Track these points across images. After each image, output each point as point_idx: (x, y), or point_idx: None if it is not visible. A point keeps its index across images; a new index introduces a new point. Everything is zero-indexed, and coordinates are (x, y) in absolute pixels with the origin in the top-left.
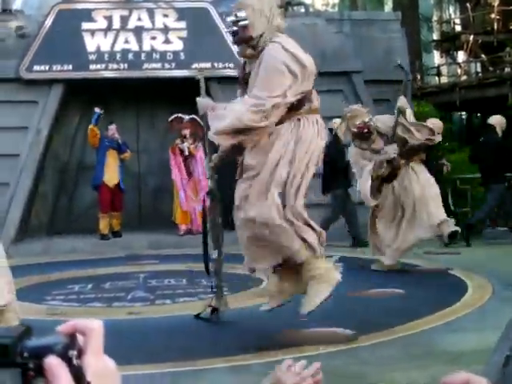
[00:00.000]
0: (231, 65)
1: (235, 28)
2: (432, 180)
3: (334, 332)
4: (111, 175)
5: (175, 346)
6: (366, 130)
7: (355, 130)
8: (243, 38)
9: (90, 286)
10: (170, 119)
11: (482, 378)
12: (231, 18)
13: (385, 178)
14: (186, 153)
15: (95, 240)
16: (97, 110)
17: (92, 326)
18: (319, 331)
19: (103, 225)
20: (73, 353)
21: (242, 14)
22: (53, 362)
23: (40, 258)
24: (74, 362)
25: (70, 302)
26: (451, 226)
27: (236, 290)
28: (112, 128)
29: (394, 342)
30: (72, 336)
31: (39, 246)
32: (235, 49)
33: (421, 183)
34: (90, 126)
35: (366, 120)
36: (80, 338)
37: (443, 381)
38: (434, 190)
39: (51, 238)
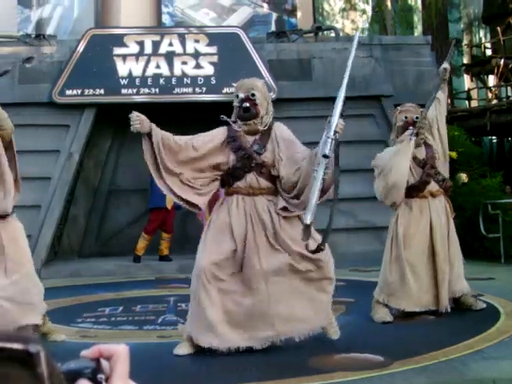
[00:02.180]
0: None
1: (248, 104)
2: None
3: (365, 358)
4: (170, 198)
5: (205, 370)
6: (411, 127)
7: (401, 123)
8: (254, 114)
9: (120, 308)
10: None
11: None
12: (244, 95)
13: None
14: None
15: (126, 263)
16: None
17: (118, 351)
18: (350, 357)
19: (141, 246)
20: (101, 377)
21: (255, 93)
22: None
23: (71, 280)
24: None
25: (100, 325)
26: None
27: None
28: None
29: (426, 369)
30: (97, 360)
31: (70, 268)
32: (266, 74)
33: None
34: None
35: (414, 117)
36: (105, 363)
37: None
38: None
39: (82, 261)
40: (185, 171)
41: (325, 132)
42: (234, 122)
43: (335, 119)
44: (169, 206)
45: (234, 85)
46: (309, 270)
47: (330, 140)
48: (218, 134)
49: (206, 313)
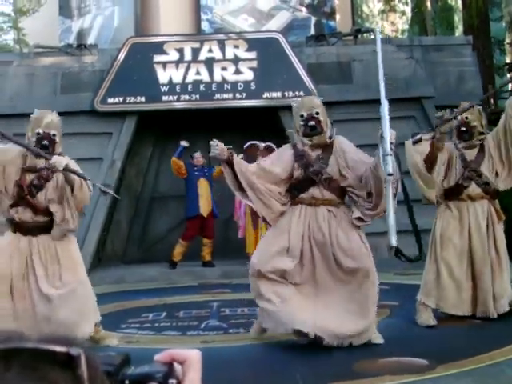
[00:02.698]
0: (301, 93)
1: (313, 123)
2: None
3: (410, 362)
4: (205, 205)
5: (249, 376)
6: (463, 128)
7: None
8: (320, 131)
9: (164, 314)
10: (245, 146)
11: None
12: (307, 114)
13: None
14: None
15: (168, 269)
16: (182, 143)
17: (191, 356)
18: (395, 361)
19: (178, 251)
20: (172, 381)
21: (318, 111)
22: None
23: (114, 286)
24: None
25: (144, 330)
26: None
27: None
28: (197, 156)
29: (472, 373)
30: (170, 365)
31: (114, 275)
32: (305, 78)
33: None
34: (173, 159)
35: (468, 117)
36: (177, 367)
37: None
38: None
39: (125, 267)
40: (263, 186)
41: (380, 148)
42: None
43: (387, 132)
44: (205, 213)
45: (294, 104)
46: (353, 283)
47: (389, 157)
48: (285, 151)
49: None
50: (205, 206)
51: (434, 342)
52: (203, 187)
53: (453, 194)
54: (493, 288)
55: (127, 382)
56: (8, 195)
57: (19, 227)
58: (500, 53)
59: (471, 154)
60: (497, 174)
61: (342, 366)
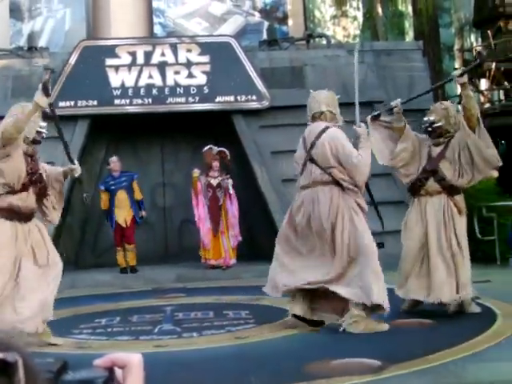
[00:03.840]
0: (254, 97)
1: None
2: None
3: (362, 362)
4: (123, 215)
5: (204, 379)
6: (429, 129)
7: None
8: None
9: (117, 319)
10: (204, 150)
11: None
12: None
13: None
14: (231, 191)
15: (122, 274)
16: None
17: (131, 360)
18: (347, 362)
19: (120, 258)
20: None
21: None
22: None
23: (67, 291)
24: None
25: (97, 336)
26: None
27: (262, 322)
28: (114, 160)
29: (423, 373)
30: (110, 369)
31: (66, 280)
32: (258, 82)
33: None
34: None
35: (431, 118)
36: (118, 372)
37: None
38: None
39: (78, 272)
40: None
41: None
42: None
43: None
44: (123, 224)
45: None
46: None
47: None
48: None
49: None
50: (122, 217)
51: (387, 343)
52: (120, 199)
53: (414, 189)
54: (457, 278)
55: None
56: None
57: (16, 214)
58: (449, 58)
59: (436, 151)
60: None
61: (294, 367)
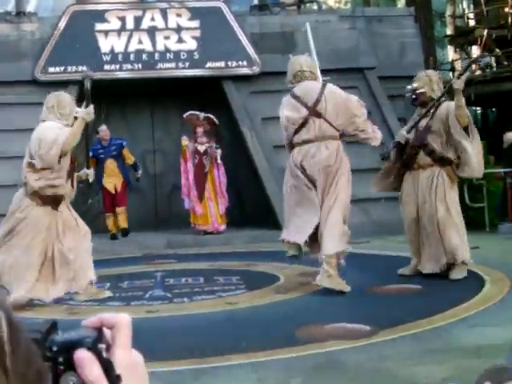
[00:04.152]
0: (245, 63)
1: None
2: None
3: (353, 328)
4: (113, 183)
5: (194, 344)
6: (413, 96)
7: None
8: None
9: (107, 285)
10: (185, 115)
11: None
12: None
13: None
14: (219, 161)
15: (112, 240)
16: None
17: (120, 320)
18: (338, 327)
19: (110, 224)
20: (102, 346)
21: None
22: (83, 356)
23: None
24: (104, 355)
25: (88, 302)
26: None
27: (253, 287)
28: (103, 129)
29: (413, 338)
30: (99, 330)
31: None
32: (249, 47)
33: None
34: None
35: (415, 85)
36: (107, 332)
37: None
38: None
39: None
40: None
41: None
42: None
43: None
44: (112, 190)
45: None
46: None
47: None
48: None
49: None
50: (111, 184)
51: (377, 309)
52: (110, 167)
53: (407, 164)
54: (444, 245)
55: (55, 348)
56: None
57: (58, 200)
58: (441, 25)
59: (422, 124)
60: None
61: (286, 332)
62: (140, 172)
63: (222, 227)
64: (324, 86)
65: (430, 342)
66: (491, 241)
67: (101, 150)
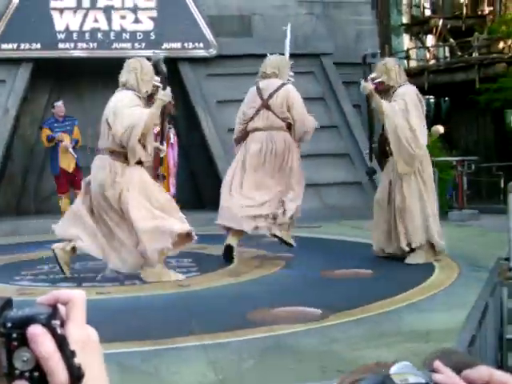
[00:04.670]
0: (201, 45)
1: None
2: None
3: (303, 311)
4: (67, 161)
5: (145, 326)
6: (375, 86)
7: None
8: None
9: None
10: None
11: (507, 374)
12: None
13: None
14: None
15: None
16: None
17: (74, 296)
18: (289, 310)
19: (63, 205)
20: (56, 322)
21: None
22: (36, 331)
23: (8, 238)
24: (58, 331)
25: (39, 282)
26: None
27: (206, 270)
28: (59, 105)
29: (363, 321)
30: (54, 306)
31: (7, 227)
32: (206, 29)
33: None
34: (44, 129)
35: (373, 75)
36: (62, 308)
37: (463, 375)
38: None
39: (19, 219)
40: None
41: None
42: None
43: None
44: (69, 169)
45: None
46: None
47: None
48: None
49: None
50: (66, 162)
51: (328, 293)
52: (65, 144)
53: (383, 151)
54: (398, 229)
55: (9, 324)
56: None
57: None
58: (397, 13)
59: None
60: None
61: (237, 314)
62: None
63: None
64: (281, 85)
65: (379, 326)
66: (442, 228)
67: (56, 124)
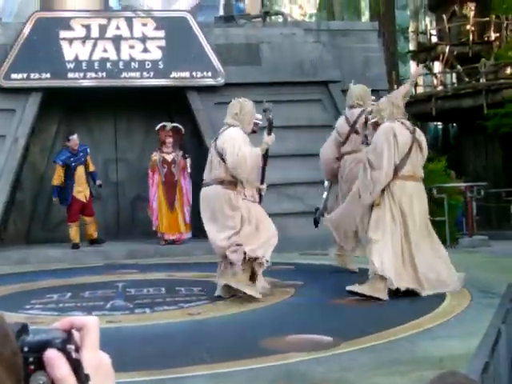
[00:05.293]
0: (209, 74)
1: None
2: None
3: (315, 339)
4: (82, 189)
5: (155, 354)
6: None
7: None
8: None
9: (68, 294)
10: (157, 128)
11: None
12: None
13: None
14: (189, 170)
15: (74, 249)
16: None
17: (88, 322)
18: (301, 338)
19: (73, 233)
20: (71, 347)
21: None
22: (53, 355)
23: (18, 267)
24: (73, 355)
25: (49, 311)
26: None
27: (214, 299)
28: (74, 138)
29: (375, 349)
30: (69, 331)
31: (17, 255)
32: (214, 58)
33: None
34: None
35: (368, 117)
36: (76, 334)
37: None
38: None
39: (29, 247)
40: None
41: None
42: None
43: None
44: (83, 199)
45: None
46: None
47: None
48: None
49: None
50: (82, 193)
51: (339, 320)
52: (79, 175)
53: None
54: None
55: (26, 348)
56: None
57: None
58: (404, 40)
59: None
60: None
61: (250, 342)
62: (100, 181)
63: (188, 235)
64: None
65: (391, 353)
66: (452, 255)
67: (72, 158)
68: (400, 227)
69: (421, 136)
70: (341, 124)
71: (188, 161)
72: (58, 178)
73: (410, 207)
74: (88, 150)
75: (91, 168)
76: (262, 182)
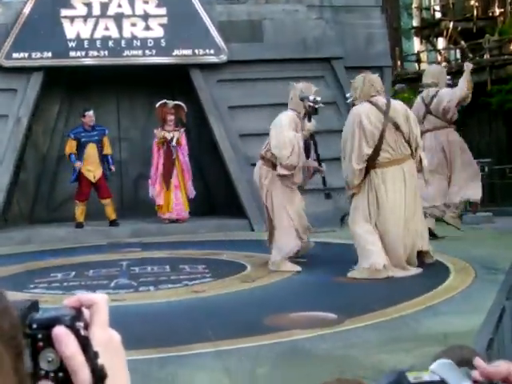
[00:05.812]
0: (212, 51)
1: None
2: None
3: (319, 316)
4: (91, 168)
5: (160, 332)
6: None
7: None
8: None
9: (73, 273)
10: (157, 105)
11: None
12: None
13: None
14: (174, 144)
15: (78, 229)
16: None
17: (97, 300)
18: (305, 315)
19: (79, 212)
20: (80, 324)
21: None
22: (61, 332)
23: (22, 246)
24: (82, 332)
25: (53, 290)
26: None
27: (220, 276)
28: (90, 114)
29: (379, 326)
30: (78, 309)
31: (21, 235)
32: (216, 35)
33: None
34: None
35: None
36: (86, 311)
37: (481, 371)
38: None
39: (32, 227)
40: None
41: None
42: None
43: None
44: (92, 179)
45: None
46: None
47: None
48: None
49: None
50: (91, 172)
51: (343, 297)
52: (90, 154)
53: None
54: None
55: (35, 325)
56: None
57: None
58: (407, 16)
59: None
60: None
61: (254, 320)
62: (113, 167)
63: (186, 214)
64: None
65: (396, 330)
66: (456, 231)
67: (83, 134)
68: (374, 215)
69: (399, 112)
70: (418, 104)
71: (181, 130)
72: (69, 148)
73: (387, 195)
74: (106, 132)
75: (106, 150)
76: (319, 164)
